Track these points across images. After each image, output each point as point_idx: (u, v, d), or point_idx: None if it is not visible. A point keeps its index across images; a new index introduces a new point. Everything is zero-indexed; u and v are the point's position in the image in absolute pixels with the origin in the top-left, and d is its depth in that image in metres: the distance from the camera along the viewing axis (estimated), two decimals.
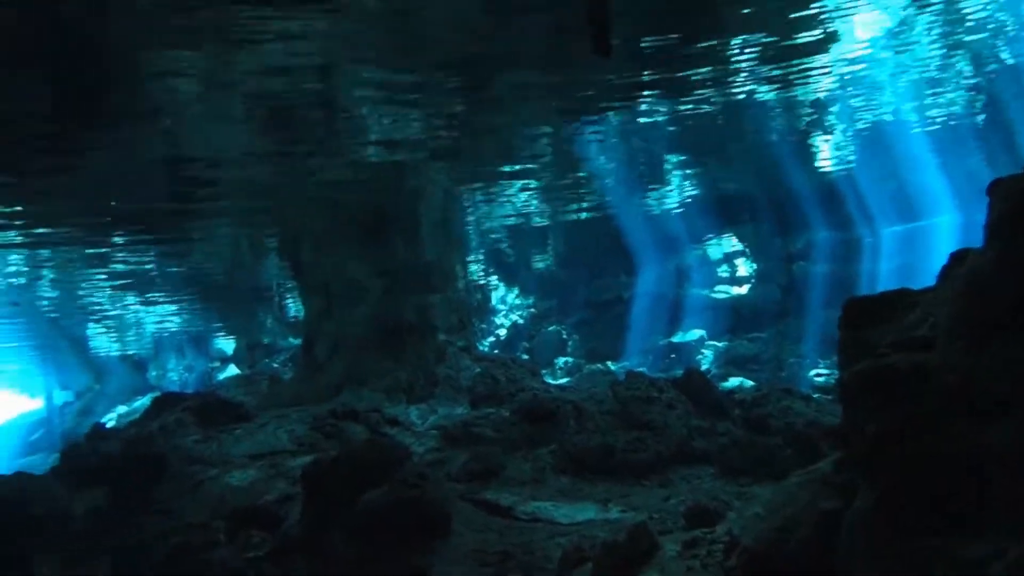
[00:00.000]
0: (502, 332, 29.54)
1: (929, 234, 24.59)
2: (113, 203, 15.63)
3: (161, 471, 11.13)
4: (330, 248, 17.51)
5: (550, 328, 28.34)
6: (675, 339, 25.67)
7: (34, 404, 34.47)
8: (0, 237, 16.41)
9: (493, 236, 26.07)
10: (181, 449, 12.36)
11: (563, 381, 21.90)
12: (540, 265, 29.77)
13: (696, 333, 25.34)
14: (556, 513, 8.64)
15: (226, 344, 33.57)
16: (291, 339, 28.95)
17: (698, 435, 10.86)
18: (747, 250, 26.63)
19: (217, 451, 12.45)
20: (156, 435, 12.72)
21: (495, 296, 30.59)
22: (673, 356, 24.75)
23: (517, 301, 30.51)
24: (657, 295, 26.71)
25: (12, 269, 19.46)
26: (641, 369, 18.03)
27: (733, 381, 19.88)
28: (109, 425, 19.09)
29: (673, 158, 19.73)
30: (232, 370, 30.50)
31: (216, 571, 8.10)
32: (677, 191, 22.80)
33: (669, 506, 8.60)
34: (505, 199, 21.20)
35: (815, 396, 13.64)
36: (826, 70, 14.28)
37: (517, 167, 18.33)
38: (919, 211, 24.98)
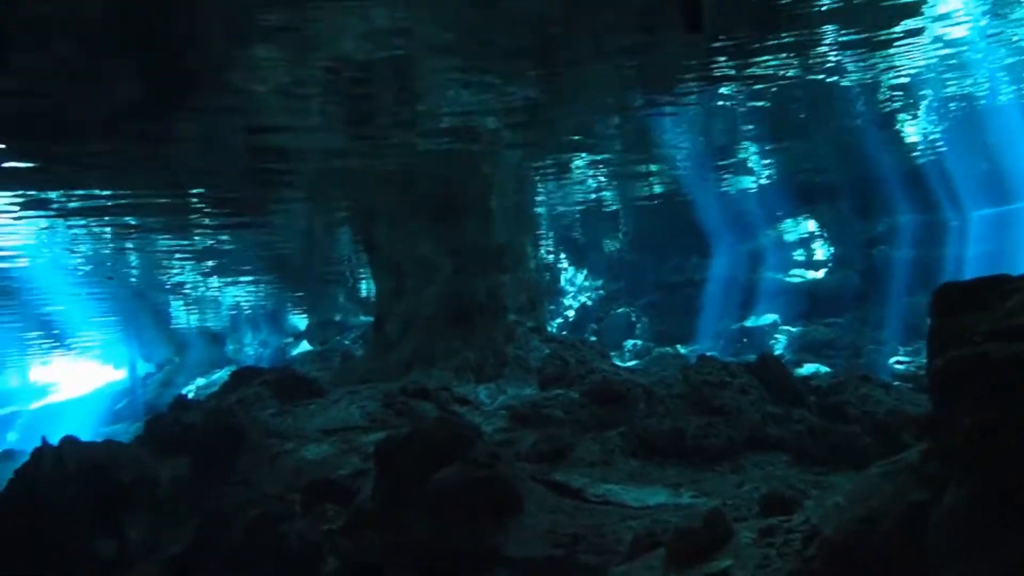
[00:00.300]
0: (570, 314, 29.49)
1: (1022, 218, 23.45)
2: (188, 175, 15.99)
3: (240, 443, 11.47)
4: (402, 227, 17.68)
5: (619, 310, 28.15)
6: (747, 323, 25.22)
7: (118, 375, 35.94)
8: (85, 203, 16.96)
9: (564, 218, 25.91)
10: (258, 422, 12.73)
11: (632, 364, 21.76)
12: (610, 247, 29.53)
13: (769, 318, 24.83)
14: (626, 496, 8.56)
15: (300, 320, 34.36)
16: (362, 317, 29.43)
17: (772, 422, 10.62)
18: (825, 233, 25.90)
19: (292, 425, 12.80)
20: (235, 408, 13.12)
21: (564, 277, 30.52)
22: (745, 341, 24.32)
23: (586, 283, 30.37)
24: (729, 278, 26.21)
25: (103, 241, 20.18)
26: (712, 353, 17.76)
27: (808, 367, 19.45)
28: (189, 397, 19.71)
29: (751, 137, 19.24)
30: (304, 346, 31.20)
31: (293, 543, 8.32)
32: (754, 172, 22.26)
33: (742, 493, 8.44)
34: (576, 180, 21.01)
35: (895, 384, 13.23)
36: (918, 39, 13.62)
37: (590, 145, 18.10)
38: (1011, 193, 23.79)
